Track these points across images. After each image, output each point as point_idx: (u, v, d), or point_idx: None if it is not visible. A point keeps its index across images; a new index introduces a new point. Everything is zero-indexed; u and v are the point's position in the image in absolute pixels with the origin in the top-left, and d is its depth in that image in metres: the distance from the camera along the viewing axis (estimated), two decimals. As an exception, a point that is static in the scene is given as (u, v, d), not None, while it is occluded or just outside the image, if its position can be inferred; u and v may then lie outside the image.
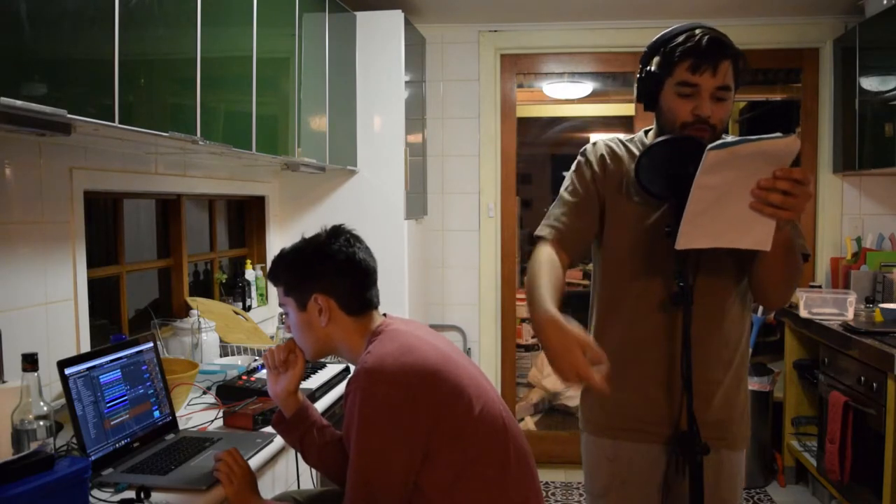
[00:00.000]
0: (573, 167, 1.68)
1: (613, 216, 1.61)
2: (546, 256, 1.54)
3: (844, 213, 3.66)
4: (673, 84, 1.48)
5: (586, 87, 4.80)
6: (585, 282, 5.16)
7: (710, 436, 1.49)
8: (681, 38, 1.47)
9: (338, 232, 1.56)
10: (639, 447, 1.59)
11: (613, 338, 1.60)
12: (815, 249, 3.71)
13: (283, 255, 1.57)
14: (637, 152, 1.61)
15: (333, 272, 1.51)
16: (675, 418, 1.55)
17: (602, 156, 1.64)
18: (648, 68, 1.52)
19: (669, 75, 1.48)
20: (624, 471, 1.60)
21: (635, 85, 1.57)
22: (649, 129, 1.67)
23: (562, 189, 1.67)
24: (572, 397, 4.15)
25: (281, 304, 1.58)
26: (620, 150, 1.64)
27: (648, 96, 1.53)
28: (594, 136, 6.48)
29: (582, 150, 1.69)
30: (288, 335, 1.63)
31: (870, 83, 3.25)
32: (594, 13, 3.58)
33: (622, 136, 1.69)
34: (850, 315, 3.09)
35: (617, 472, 1.61)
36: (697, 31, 1.47)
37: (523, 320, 4.58)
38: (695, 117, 1.46)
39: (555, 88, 4.78)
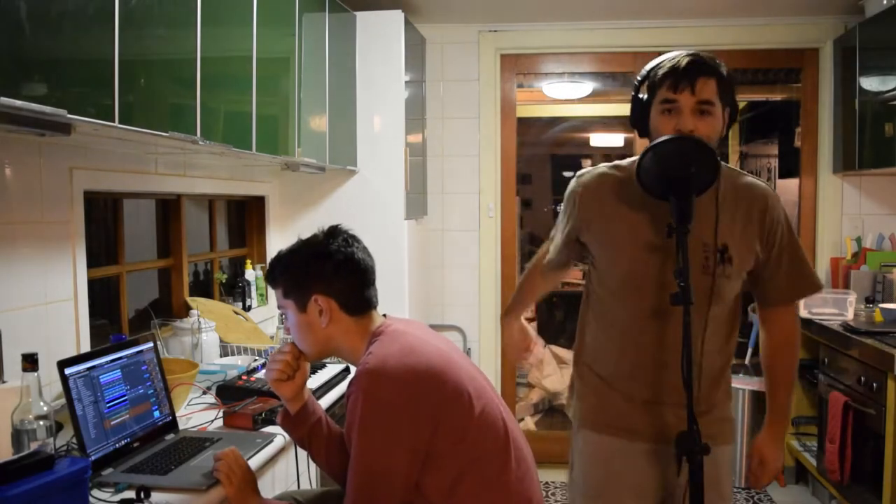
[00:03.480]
0: (565, 199, 1.75)
1: (604, 237, 1.66)
2: (536, 273, 1.86)
3: (844, 213, 3.65)
4: (658, 104, 1.57)
5: (586, 87, 4.79)
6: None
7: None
8: (664, 62, 1.57)
9: (335, 232, 1.55)
10: (635, 446, 1.63)
11: (608, 349, 1.68)
12: (815, 249, 3.71)
13: (281, 257, 1.56)
14: (628, 172, 1.66)
15: (333, 272, 1.50)
16: (666, 422, 1.59)
17: (584, 188, 1.69)
18: (639, 96, 1.62)
19: (654, 97, 1.57)
20: (619, 467, 1.63)
21: (630, 113, 1.67)
22: None
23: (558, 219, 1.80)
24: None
25: (280, 307, 1.57)
26: (609, 173, 1.68)
27: (640, 122, 1.63)
28: (594, 136, 6.50)
29: (573, 181, 1.74)
30: (287, 336, 1.63)
31: (870, 83, 3.25)
32: (594, 13, 3.58)
33: (618, 162, 1.74)
34: (850, 315, 3.10)
35: (612, 469, 1.64)
36: (681, 55, 1.56)
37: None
38: (677, 132, 1.52)
39: (555, 88, 4.78)
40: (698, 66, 1.52)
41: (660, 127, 1.56)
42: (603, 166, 1.71)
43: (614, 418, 1.64)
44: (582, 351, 1.76)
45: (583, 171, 1.73)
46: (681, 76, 1.52)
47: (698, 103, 1.52)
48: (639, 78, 1.63)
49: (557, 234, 1.78)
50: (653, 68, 1.59)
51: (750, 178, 1.66)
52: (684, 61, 1.53)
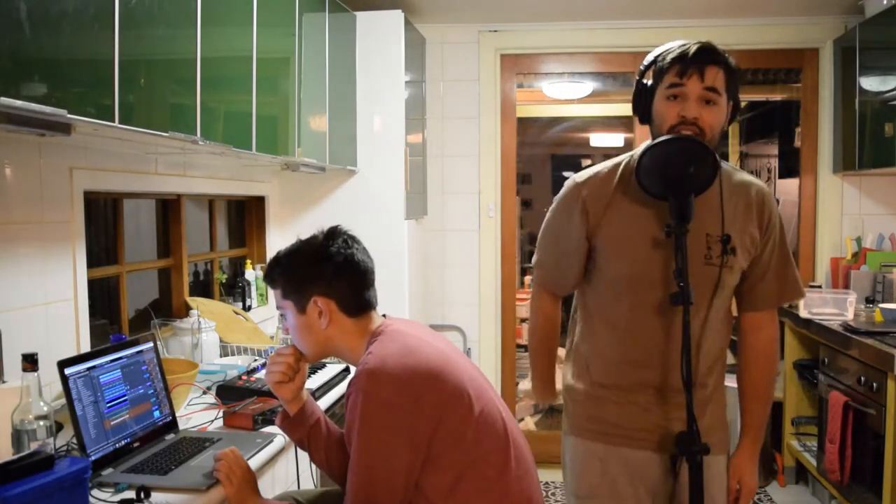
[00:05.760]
0: (558, 203, 1.68)
1: (609, 233, 1.61)
2: (550, 327, 1.82)
3: (844, 213, 3.66)
4: (663, 89, 1.53)
5: (586, 87, 4.80)
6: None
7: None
8: (673, 47, 1.54)
9: (335, 233, 1.55)
10: (631, 452, 1.60)
11: (607, 346, 1.64)
12: (815, 249, 3.71)
13: (280, 258, 1.55)
14: (625, 168, 1.63)
15: (332, 274, 1.50)
16: (666, 425, 1.58)
17: (586, 192, 1.62)
18: (644, 81, 1.59)
19: (660, 83, 1.54)
20: (613, 471, 1.61)
21: (632, 99, 1.62)
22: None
23: (547, 222, 1.71)
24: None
25: (279, 307, 1.57)
26: (608, 174, 1.63)
27: (643, 108, 1.60)
28: (594, 137, 6.49)
29: (565, 186, 1.68)
30: (287, 337, 1.63)
31: (870, 83, 3.25)
32: (594, 13, 3.58)
33: (612, 160, 1.68)
34: (850, 315, 3.10)
35: (607, 472, 1.61)
36: (692, 42, 1.53)
37: (523, 320, 4.58)
38: (680, 119, 1.50)
39: (555, 88, 4.78)
40: (708, 53, 1.50)
41: (664, 113, 1.53)
42: (597, 166, 1.67)
43: (612, 426, 1.62)
44: (576, 353, 1.74)
45: (577, 175, 1.68)
46: (690, 62, 1.49)
47: (705, 90, 1.49)
48: (645, 63, 1.59)
49: (555, 249, 1.70)
50: (661, 53, 1.55)
51: (746, 175, 1.67)
52: (694, 48, 1.50)
